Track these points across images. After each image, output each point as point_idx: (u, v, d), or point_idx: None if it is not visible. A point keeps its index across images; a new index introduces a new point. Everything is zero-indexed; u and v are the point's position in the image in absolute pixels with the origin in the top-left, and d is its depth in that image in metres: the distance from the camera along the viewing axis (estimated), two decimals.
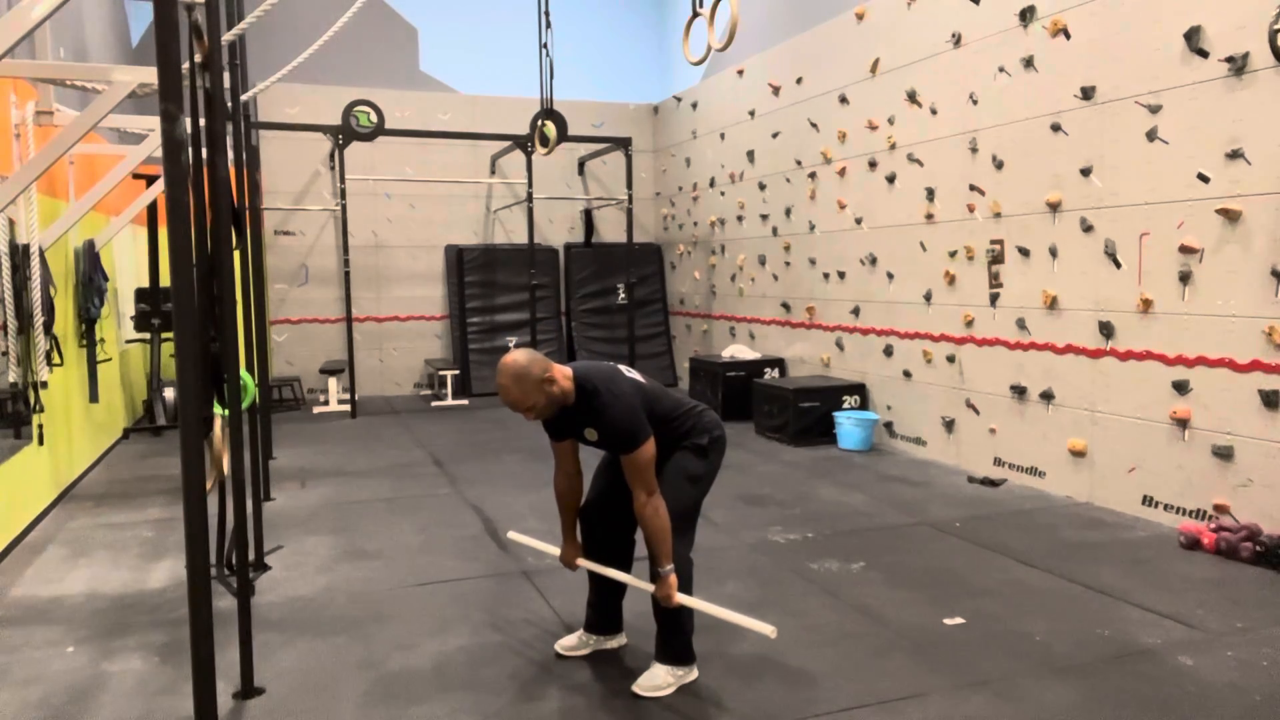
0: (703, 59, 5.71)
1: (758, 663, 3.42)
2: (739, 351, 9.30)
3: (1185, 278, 4.95)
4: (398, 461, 7.20)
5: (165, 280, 8.05)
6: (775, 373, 8.90)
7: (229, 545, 4.16)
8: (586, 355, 11.21)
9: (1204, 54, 4.80)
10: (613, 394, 3.07)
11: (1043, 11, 5.80)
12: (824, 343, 8.38)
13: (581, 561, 3.42)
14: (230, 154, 3.64)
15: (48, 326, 5.36)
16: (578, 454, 3.36)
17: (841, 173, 7.93)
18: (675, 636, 3.21)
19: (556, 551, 3.51)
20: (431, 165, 10.98)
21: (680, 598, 3.08)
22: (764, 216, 9.27)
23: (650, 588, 3.11)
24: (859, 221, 7.74)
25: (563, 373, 3.09)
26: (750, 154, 9.50)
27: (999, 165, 6.20)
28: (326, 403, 10.06)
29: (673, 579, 3.06)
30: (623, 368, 3.25)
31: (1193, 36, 4.83)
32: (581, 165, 11.71)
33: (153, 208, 8.09)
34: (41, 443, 5.40)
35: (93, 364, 6.74)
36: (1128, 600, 4.01)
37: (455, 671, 3.39)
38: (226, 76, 4.72)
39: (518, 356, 3.01)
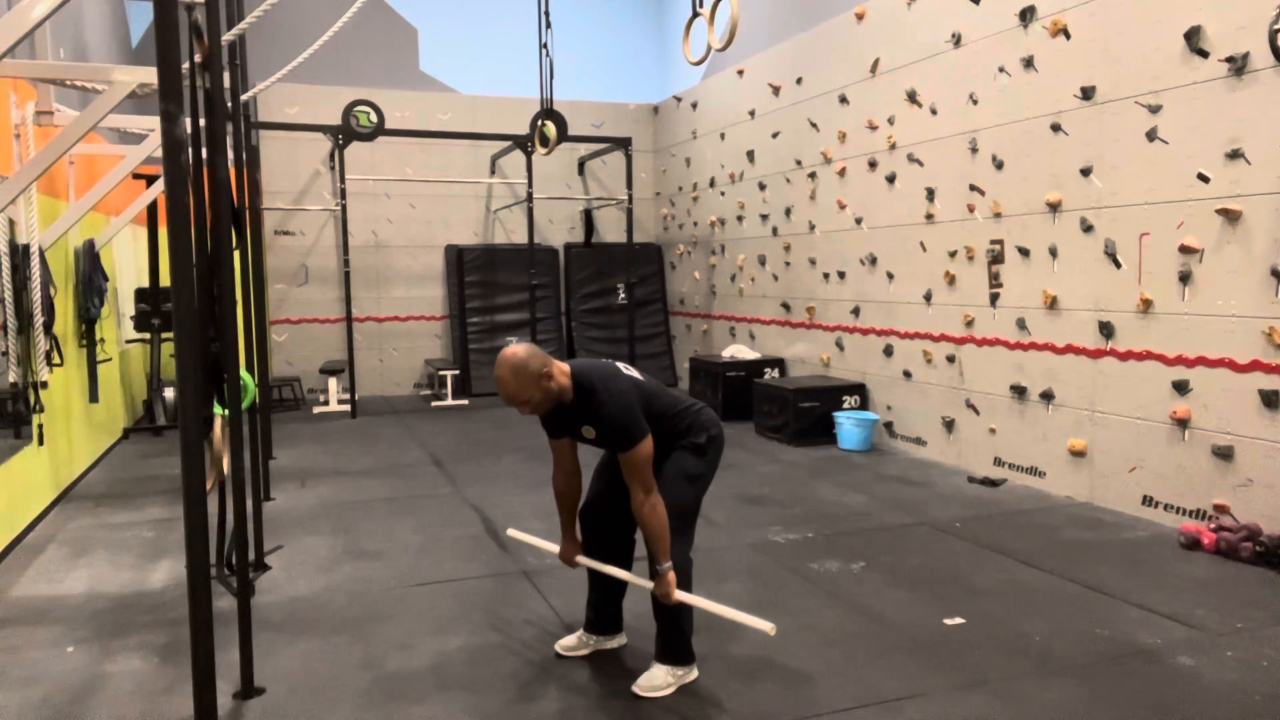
0: (703, 59, 5.71)
1: (758, 663, 3.42)
2: (739, 351, 9.30)
3: (1185, 278, 4.95)
4: (398, 461, 7.20)
5: (165, 280, 8.05)
6: (775, 373, 8.90)
7: (229, 545, 4.15)
8: (586, 355, 11.21)
9: (1204, 54, 4.80)
10: (610, 392, 3.06)
11: (1043, 11, 5.80)
12: (824, 343, 8.38)
13: (581, 559, 3.41)
14: (230, 154, 3.64)
15: (48, 326, 5.36)
16: (576, 452, 3.35)
17: (841, 173, 7.93)
18: (675, 637, 3.21)
19: (556, 549, 3.51)
20: (431, 165, 10.98)
21: (680, 595, 3.08)
22: (764, 216, 9.28)
23: (650, 585, 3.11)
24: (859, 221, 7.74)
25: (561, 369, 3.09)
26: (750, 154, 9.50)
27: (999, 165, 6.20)
28: (326, 403, 10.06)
29: (671, 576, 3.05)
30: (622, 365, 3.25)
31: (1193, 36, 4.83)
32: (581, 165, 11.71)
33: (153, 208, 8.09)
34: (41, 443, 5.40)
35: (93, 364, 6.74)
36: (1127, 600, 4.01)
37: (455, 671, 3.39)
38: (226, 76, 4.72)
39: (517, 350, 3.01)
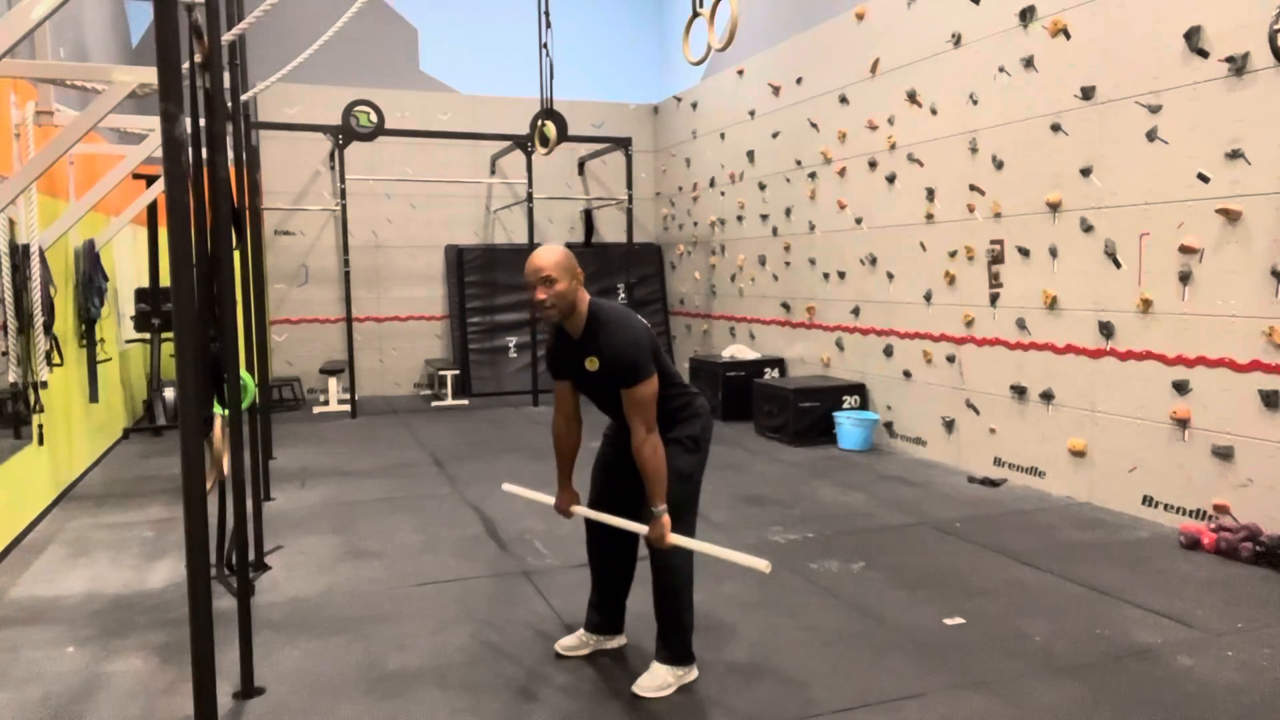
0: (703, 59, 5.71)
1: (758, 663, 3.42)
2: (739, 351, 9.30)
3: (1185, 278, 4.95)
4: (398, 461, 7.20)
5: (165, 280, 8.05)
6: (775, 373, 8.90)
7: (229, 545, 4.16)
8: None
9: (1204, 54, 4.80)
10: (623, 325, 3.08)
11: (1043, 11, 5.80)
12: (824, 343, 8.38)
13: (576, 509, 3.40)
14: (230, 154, 3.64)
15: (48, 326, 5.36)
16: (577, 398, 3.34)
17: (841, 173, 7.93)
18: (675, 636, 3.21)
19: (551, 501, 3.50)
20: (431, 165, 10.98)
21: (673, 538, 3.05)
22: (764, 216, 9.28)
23: (644, 529, 3.10)
24: (859, 221, 7.74)
25: (585, 294, 3.13)
26: (750, 154, 9.50)
27: (999, 165, 6.20)
28: (326, 403, 10.06)
29: (666, 519, 3.03)
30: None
31: (1193, 36, 4.83)
32: (581, 165, 11.71)
33: (153, 208, 8.09)
34: (41, 443, 5.40)
35: (93, 364, 6.73)
36: (1128, 600, 4.01)
37: (455, 671, 3.39)
38: (226, 76, 4.72)
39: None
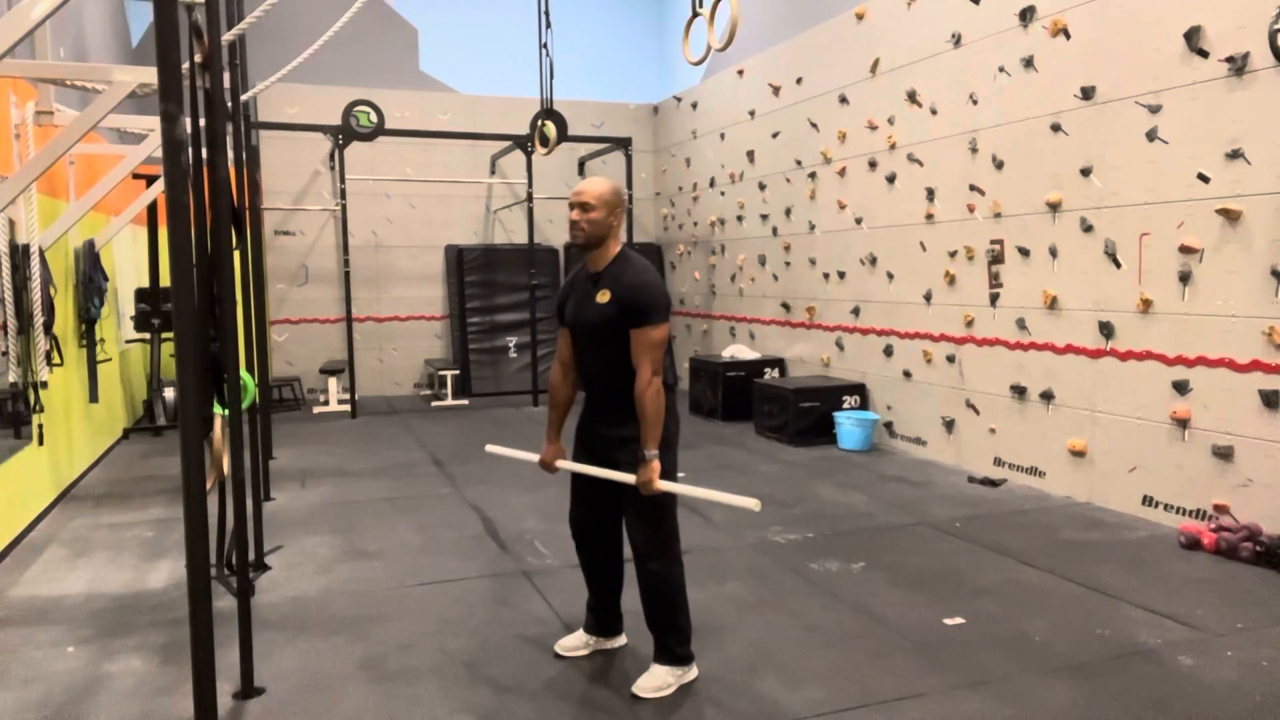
0: (703, 59, 5.71)
1: (757, 663, 3.42)
2: (739, 351, 9.30)
3: (1185, 278, 4.95)
4: (398, 461, 7.20)
5: (165, 280, 8.05)
6: (775, 373, 8.90)
7: (229, 545, 4.15)
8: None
9: (1204, 54, 4.80)
10: (648, 270, 3.15)
11: (1043, 11, 5.80)
12: (824, 343, 8.38)
13: (561, 463, 3.40)
14: (230, 154, 3.64)
15: (48, 326, 5.36)
16: None
17: (841, 173, 7.93)
18: (674, 637, 3.22)
19: (535, 459, 3.49)
20: (431, 165, 10.98)
21: (661, 484, 3.05)
22: (764, 216, 9.27)
23: (632, 479, 3.09)
24: (859, 221, 7.74)
25: (621, 237, 3.23)
26: (750, 154, 9.50)
27: (999, 165, 6.20)
28: (326, 403, 10.06)
29: (656, 465, 3.03)
30: None
31: (1193, 36, 4.83)
32: (581, 165, 11.70)
33: (153, 208, 8.09)
34: (41, 443, 5.40)
35: (93, 364, 6.73)
36: (1128, 600, 4.01)
37: (455, 671, 3.39)
38: (226, 76, 4.72)
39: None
